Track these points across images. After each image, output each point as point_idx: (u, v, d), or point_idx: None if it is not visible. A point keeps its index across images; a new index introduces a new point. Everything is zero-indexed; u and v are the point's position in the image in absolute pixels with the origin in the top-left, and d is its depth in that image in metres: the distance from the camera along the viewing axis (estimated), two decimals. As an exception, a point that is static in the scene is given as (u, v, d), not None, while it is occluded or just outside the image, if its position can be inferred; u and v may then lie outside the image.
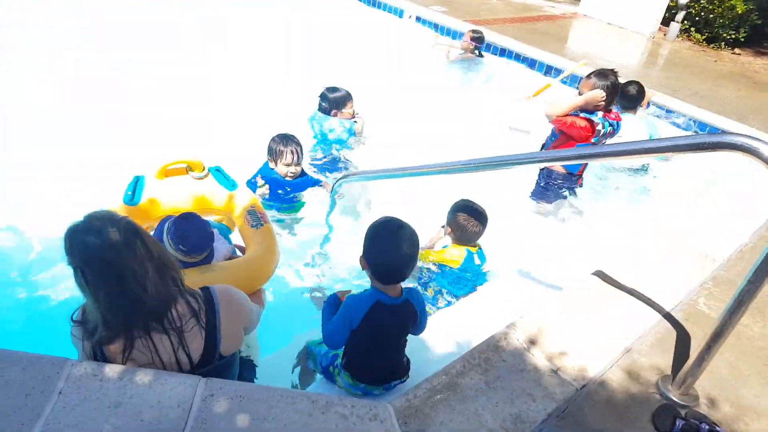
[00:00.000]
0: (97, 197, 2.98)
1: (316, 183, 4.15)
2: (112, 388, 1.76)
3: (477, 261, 3.26)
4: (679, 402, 2.34)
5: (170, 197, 3.06)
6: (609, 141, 4.09)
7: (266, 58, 6.72)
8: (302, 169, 4.03)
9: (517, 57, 7.98)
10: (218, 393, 1.83)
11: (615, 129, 4.08)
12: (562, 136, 4.12)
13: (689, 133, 6.01)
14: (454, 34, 8.65)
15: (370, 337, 2.17)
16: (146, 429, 1.69)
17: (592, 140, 4.00)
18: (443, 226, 3.41)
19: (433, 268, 3.27)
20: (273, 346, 2.72)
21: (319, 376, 2.49)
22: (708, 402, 2.40)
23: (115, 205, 2.93)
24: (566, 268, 3.20)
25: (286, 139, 3.87)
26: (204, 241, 2.50)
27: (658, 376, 2.47)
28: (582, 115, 4.00)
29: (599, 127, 3.97)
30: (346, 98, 4.61)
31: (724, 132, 2.04)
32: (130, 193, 2.99)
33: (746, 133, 2.12)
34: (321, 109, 4.65)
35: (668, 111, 6.37)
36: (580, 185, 4.42)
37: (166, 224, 2.51)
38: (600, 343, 2.51)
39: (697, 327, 2.78)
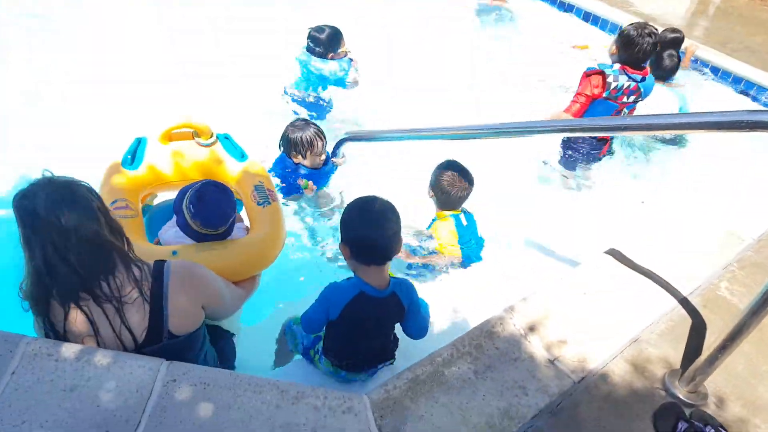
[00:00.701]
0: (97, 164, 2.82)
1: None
2: (69, 370, 1.68)
3: (464, 222, 3.07)
4: (685, 400, 2.17)
5: (173, 164, 2.86)
6: (639, 105, 3.76)
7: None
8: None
9: (552, 1, 7.48)
10: (181, 378, 1.73)
11: (639, 85, 3.69)
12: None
13: (731, 103, 5.49)
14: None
15: (351, 329, 2.04)
16: (102, 415, 1.60)
17: (604, 95, 3.67)
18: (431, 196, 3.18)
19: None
20: (256, 318, 2.61)
21: (297, 356, 2.38)
22: (717, 401, 2.22)
23: (113, 168, 2.77)
24: (579, 244, 3.00)
25: (307, 125, 3.41)
26: (218, 219, 2.31)
27: (665, 370, 2.29)
28: (597, 67, 3.68)
29: (610, 80, 3.62)
30: (339, 35, 4.35)
31: (763, 110, 1.79)
32: (129, 156, 2.80)
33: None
34: (315, 53, 4.36)
35: (713, 68, 5.89)
36: (607, 152, 4.10)
37: (190, 189, 2.30)
38: (605, 331, 2.34)
39: (715, 315, 2.57)
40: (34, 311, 1.75)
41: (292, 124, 3.45)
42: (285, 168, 3.52)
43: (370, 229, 1.92)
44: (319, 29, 4.32)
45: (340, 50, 4.38)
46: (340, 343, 2.11)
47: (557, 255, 2.95)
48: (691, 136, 4.54)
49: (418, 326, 2.17)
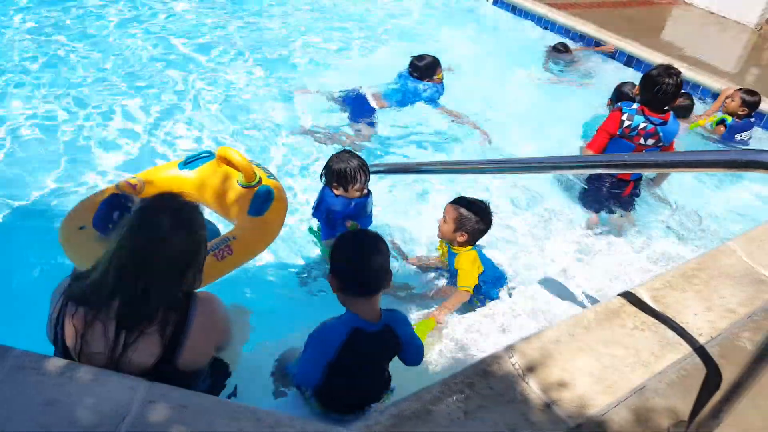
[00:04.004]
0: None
1: None
2: (49, 384, 1.71)
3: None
4: (691, 455, 2.04)
5: (205, 183, 2.91)
6: (662, 146, 3.65)
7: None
8: None
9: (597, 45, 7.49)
10: (159, 399, 1.74)
11: (658, 129, 3.60)
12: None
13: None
14: (536, 19, 8.29)
15: (347, 370, 2.02)
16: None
17: (617, 132, 3.62)
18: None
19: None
20: (254, 346, 2.60)
21: (293, 390, 2.35)
22: (727, 457, 2.07)
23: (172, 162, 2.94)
24: (594, 285, 2.89)
25: (352, 157, 3.24)
26: None
27: (670, 422, 2.16)
28: (617, 105, 3.69)
29: (624, 117, 3.59)
30: (435, 65, 5.19)
31: (758, 150, 1.70)
32: (188, 159, 2.93)
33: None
34: (412, 76, 5.21)
35: (759, 115, 5.70)
36: (631, 193, 3.96)
37: None
38: (610, 376, 2.23)
39: (733, 366, 2.40)
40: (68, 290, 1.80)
41: (337, 156, 3.31)
42: (331, 206, 3.26)
43: (356, 260, 1.94)
44: (420, 57, 5.22)
45: (435, 77, 5.22)
46: (332, 383, 2.08)
47: (568, 294, 2.85)
48: (730, 180, 4.40)
49: (414, 355, 2.17)
